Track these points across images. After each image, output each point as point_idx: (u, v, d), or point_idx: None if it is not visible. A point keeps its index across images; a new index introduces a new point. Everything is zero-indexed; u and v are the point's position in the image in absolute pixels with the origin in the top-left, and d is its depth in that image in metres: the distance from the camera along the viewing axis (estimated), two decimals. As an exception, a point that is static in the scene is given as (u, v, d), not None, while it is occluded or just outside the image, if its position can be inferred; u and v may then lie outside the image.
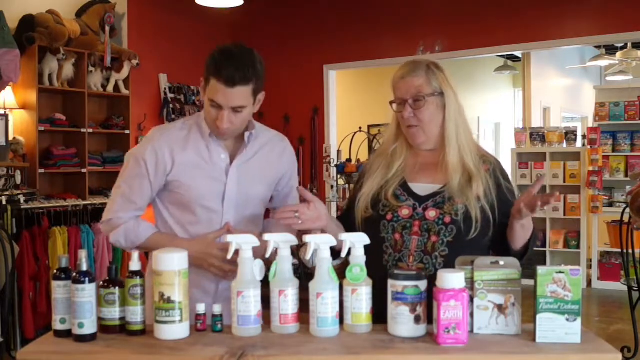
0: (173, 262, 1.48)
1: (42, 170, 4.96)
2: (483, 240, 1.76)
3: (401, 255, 1.74)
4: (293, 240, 1.57)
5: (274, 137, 2.05)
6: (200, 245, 1.86)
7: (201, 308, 1.54)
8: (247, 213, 1.96)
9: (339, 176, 5.97)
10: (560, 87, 10.87)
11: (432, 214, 1.75)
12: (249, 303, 1.49)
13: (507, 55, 9.16)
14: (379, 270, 1.62)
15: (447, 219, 1.74)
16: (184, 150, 1.91)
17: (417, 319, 1.45)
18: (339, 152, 6.34)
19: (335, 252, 1.58)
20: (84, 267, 1.48)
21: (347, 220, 1.86)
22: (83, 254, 1.53)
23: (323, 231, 1.70)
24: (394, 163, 1.84)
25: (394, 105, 1.83)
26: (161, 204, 1.97)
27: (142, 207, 1.95)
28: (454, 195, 1.75)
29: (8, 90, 4.80)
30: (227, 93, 1.78)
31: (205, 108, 1.87)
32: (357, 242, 1.54)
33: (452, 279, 1.41)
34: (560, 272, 1.42)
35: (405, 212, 1.77)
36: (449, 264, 1.65)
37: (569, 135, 6.93)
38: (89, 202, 4.72)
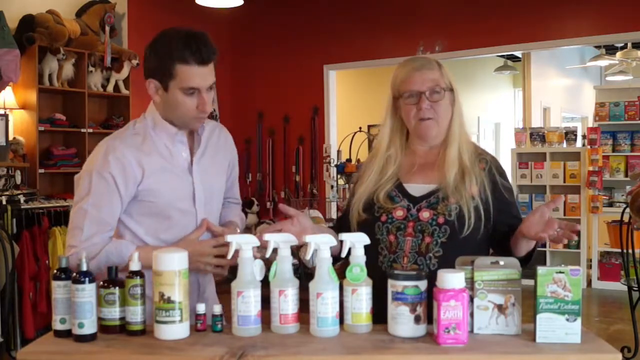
0: (173, 262, 1.48)
1: (42, 170, 4.96)
2: (476, 238, 1.76)
3: (396, 257, 1.75)
4: (293, 240, 1.57)
5: (214, 126, 2.00)
6: (188, 247, 1.69)
7: (201, 308, 1.54)
8: (213, 208, 1.93)
9: (339, 176, 5.97)
10: (560, 87, 10.88)
11: (425, 214, 1.76)
12: (249, 303, 1.48)
13: (507, 55, 9.17)
14: (375, 271, 1.62)
15: (441, 220, 1.74)
16: (148, 155, 1.80)
17: (417, 319, 1.45)
18: (339, 152, 6.35)
19: (333, 258, 1.58)
20: (84, 267, 1.48)
21: (344, 227, 1.85)
22: (83, 254, 1.53)
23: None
24: (388, 168, 1.84)
25: (406, 99, 1.79)
26: (129, 217, 1.82)
27: (114, 226, 1.80)
28: (448, 193, 1.75)
29: (8, 90, 4.81)
30: (202, 72, 1.74)
31: (178, 101, 1.76)
32: (357, 242, 1.54)
33: (452, 279, 1.41)
34: (560, 272, 1.42)
35: (399, 213, 1.77)
36: (443, 264, 1.65)
37: (569, 135, 6.93)
38: (89, 202, 4.71)
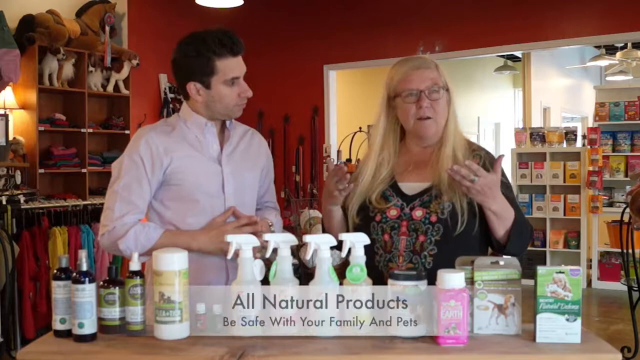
0: (173, 262, 1.48)
1: (42, 170, 4.96)
2: (471, 234, 1.76)
3: (391, 256, 1.76)
4: (293, 240, 1.57)
5: (248, 130, 2.11)
6: (214, 230, 1.86)
7: (201, 308, 1.54)
8: (244, 200, 1.99)
9: (339, 176, 5.95)
10: (560, 87, 10.87)
11: (418, 213, 1.76)
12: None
13: (507, 55, 9.16)
14: (372, 271, 1.62)
15: (434, 218, 1.75)
16: (177, 142, 1.92)
17: (417, 319, 1.45)
18: (339, 152, 6.35)
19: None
20: (84, 267, 1.48)
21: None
22: (83, 254, 1.53)
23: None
24: (381, 170, 1.85)
25: (405, 98, 1.79)
26: (159, 203, 1.94)
27: (143, 210, 1.91)
28: (441, 191, 1.76)
29: (8, 90, 4.80)
30: (239, 62, 1.90)
31: (222, 94, 1.88)
32: (357, 242, 1.54)
33: (452, 279, 1.40)
34: (560, 272, 1.42)
35: (393, 212, 1.79)
36: (438, 262, 1.66)
37: (569, 135, 6.93)
38: (89, 202, 4.72)
